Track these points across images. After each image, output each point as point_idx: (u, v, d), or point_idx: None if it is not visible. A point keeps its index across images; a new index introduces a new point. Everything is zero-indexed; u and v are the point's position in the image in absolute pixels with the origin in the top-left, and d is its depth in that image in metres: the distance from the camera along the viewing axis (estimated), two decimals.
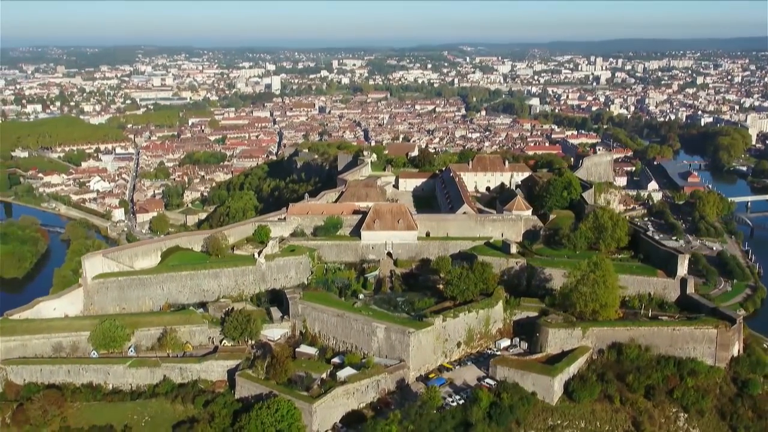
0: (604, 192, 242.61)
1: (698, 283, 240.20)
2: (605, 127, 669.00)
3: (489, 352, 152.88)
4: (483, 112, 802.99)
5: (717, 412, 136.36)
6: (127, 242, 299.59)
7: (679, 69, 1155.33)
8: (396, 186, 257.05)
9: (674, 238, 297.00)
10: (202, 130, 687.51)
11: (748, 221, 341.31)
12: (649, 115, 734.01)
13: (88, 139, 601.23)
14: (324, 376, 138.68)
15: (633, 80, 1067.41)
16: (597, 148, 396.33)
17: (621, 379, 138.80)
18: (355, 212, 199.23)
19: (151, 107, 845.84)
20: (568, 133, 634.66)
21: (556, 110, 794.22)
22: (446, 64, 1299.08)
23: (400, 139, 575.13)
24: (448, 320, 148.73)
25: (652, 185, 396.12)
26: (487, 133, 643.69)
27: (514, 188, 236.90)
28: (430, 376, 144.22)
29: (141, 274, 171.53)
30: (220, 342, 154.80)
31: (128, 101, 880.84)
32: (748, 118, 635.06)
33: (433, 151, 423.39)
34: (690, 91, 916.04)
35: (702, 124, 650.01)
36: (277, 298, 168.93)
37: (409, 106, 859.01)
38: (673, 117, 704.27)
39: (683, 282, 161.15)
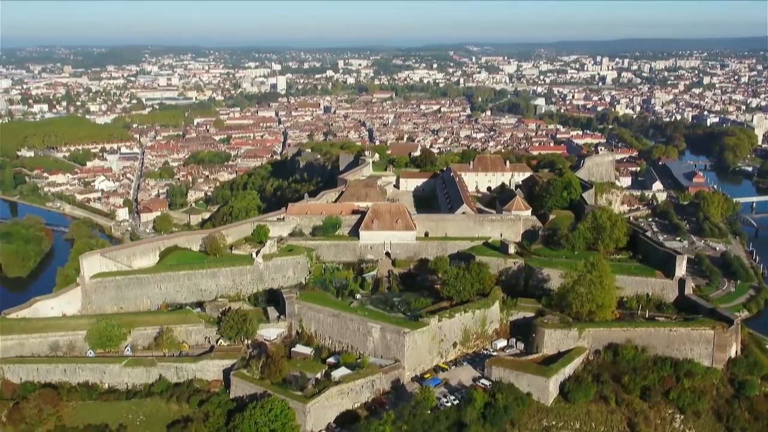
0: (605, 192, 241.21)
1: (702, 283, 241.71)
2: (610, 127, 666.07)
3: (485, 352, 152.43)
4: (488, 112, 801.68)
5: (713, 413, 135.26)
6: (131, 242, 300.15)
7: (686, 69, 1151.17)
8: (397, 186, 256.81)
9: (678, 238, 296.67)
10: (207, 130, 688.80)
11: (752, 222, 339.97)
12: (654, 115, 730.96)
13: (94, 138, 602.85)
14: (319, 375, 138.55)
15: (639, 80, 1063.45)
16: (599, 148, 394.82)
17: (617, 379, 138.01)
18: (354, 212, 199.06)
19: (157, 107, 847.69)
20: (573, 133, 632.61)
21: (562, 110, 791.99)
22: (452, 64, 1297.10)
23: (405, 139, 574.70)
24: (443, 320, 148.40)
25: (657, 185, 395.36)
26: (492, 133, 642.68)
27: (513, 188, 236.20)
28: (426, 376, 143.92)
29: (139, 274, 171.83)
30: (217, 341, 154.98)
31: (134, 101, 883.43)
32: (754, 118, 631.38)
33: (437, 151, 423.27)
34: (696, 91, 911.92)
35: (708, 124, 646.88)
36: (274, 298, 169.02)
37: (415, 106, 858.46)
38: (678, 117, 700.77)
39: (681, 283, 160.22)
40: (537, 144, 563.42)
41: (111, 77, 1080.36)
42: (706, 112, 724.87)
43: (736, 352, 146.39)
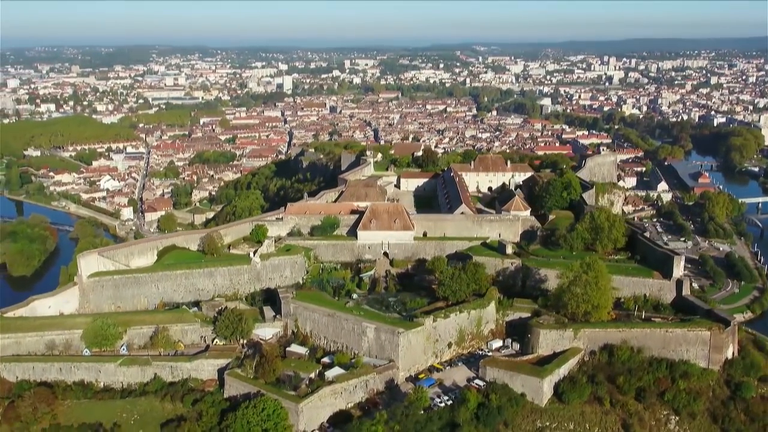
0: (607, 192, 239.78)
1: (705, 284, 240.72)
2: (617, 127, 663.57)
3: (481, 352, 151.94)
4: (494, 112, 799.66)
5: (709, 415, 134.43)
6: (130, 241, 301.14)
7: (693, 69, 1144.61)
8: (398, 186, 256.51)
9: (682, 239, 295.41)
10: (213, 130, 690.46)
11: (758, 223, 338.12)
12: (661, 116, 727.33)
13: (100, 138, 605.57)
14: (312, 375, 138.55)
15: (646, 80, 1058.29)
16: (601, 148, 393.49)
17: (612, 380, 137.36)
18: (353, 212, 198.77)
19: (163, 107, 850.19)
20: (579, 133, 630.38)
21: (568, 110, 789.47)
22: (458, 63, 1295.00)
23: (410, 139, 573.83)
24: (438, 320, 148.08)
25: (662, 186, 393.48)
26: (498, 133, 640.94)
27: (513, 188, 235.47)
28: (420, 376, 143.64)
29: (136, 273, 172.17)
30: (212, 341, 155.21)
31: (141, 101, 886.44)
32: (761, 118, 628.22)
33: (442, 151, 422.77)
34: (704, 91, 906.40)
35: (715, 124, 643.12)
36: (271, 298, 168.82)
37: (420, 106, 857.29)
38: (685, 117, 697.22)
39: (679, 283, 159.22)
40: (542, 144, 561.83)
41: (118, 77, 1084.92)
42: (713, 112, 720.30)
43: (733, 353, 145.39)
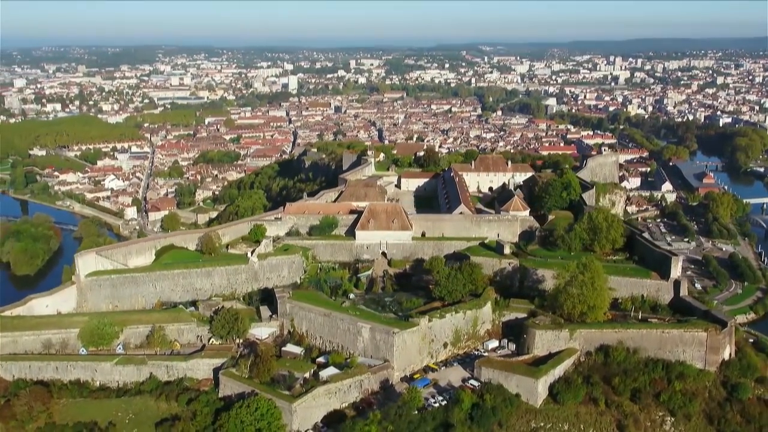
0: (608, 193, 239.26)
1: (709, 285, 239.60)
2: (622, 127, 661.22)
3: (476, 353, 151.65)
4: (499, 112, 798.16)
5: (705, 416, 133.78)
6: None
7: (700, 69, 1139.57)
8: (398, 186, 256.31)
9: (686, 239, 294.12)
10: (218, 130, 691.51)
11: (762, 223, 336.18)
12: (666, 116, 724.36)
13: (105, 138, 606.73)
14: (307, 375, 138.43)
15: (652, 80, 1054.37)
16: (602, 148, 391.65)
17: (607, 381, 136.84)
18: (352, 212, 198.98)
19: (169, 106, 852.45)
20: (584, 133, 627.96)
21: (573, 110, 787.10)
22: (464, 63, 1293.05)
23: (414, 139, 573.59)
24: (434, 321, 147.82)
25: (666, 186, 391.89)
26: (502, 133, 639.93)
27: (513, 189, 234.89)
28: (415, 376, 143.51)
29: (134, 272, 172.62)
30: (208, 340, 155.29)
31: (146, 100, 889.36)
32: (767, 118, 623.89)
33: (446, 151, 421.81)
34: (710, 91, 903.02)
35: (720, 124, 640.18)
36: (269, 298, 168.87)
37: (425, 105, 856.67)
38: (691, 117, 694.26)
39: (677, 284, 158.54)
40: (547, 144, 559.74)
41: (124, 77, 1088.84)
42: (719, 113, 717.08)
43: (730, 354, 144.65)
